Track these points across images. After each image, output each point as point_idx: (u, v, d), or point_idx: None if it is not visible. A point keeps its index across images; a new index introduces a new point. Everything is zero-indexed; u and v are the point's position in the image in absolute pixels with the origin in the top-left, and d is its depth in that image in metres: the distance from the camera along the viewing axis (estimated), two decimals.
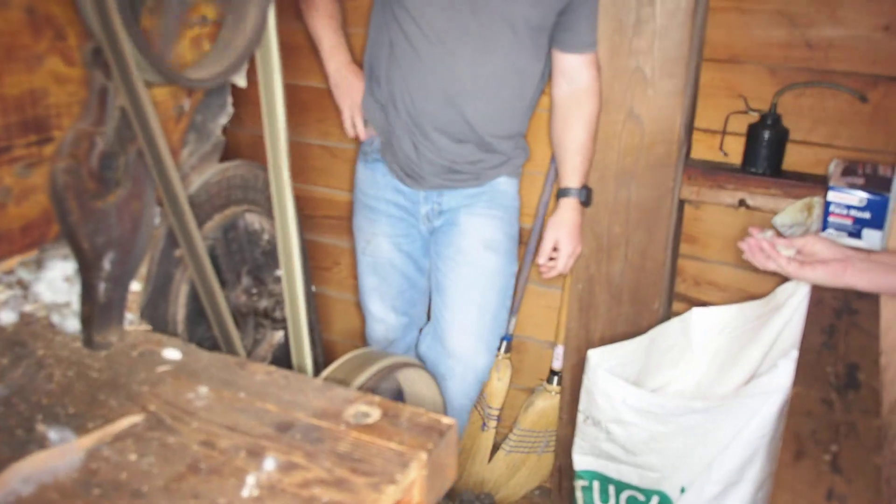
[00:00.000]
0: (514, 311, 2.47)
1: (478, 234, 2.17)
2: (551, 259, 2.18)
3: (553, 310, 2.58)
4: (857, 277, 1.46)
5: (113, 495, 0.88)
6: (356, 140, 2.29)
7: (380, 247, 2.30)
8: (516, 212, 2.25)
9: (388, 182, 2.21)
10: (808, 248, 1.54)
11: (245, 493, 0.89)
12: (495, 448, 2.60)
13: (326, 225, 2.92)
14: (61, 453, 0.93)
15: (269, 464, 0.94)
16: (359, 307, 2.89)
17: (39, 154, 1.06)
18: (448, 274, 2.22)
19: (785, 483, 0.93)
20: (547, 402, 2.52)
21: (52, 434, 0.95)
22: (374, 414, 1.03)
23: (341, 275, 2.98)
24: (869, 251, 1.51)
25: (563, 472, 2.53)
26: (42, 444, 0.95)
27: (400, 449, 0.96)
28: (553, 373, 2.53)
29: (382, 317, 2.39)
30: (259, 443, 0.98)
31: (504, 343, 2.48)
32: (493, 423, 2.55)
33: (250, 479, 0.91)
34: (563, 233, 2.13)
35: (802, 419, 1.06)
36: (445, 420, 1.02)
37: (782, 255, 1.56)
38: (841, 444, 1.00)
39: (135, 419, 1.02)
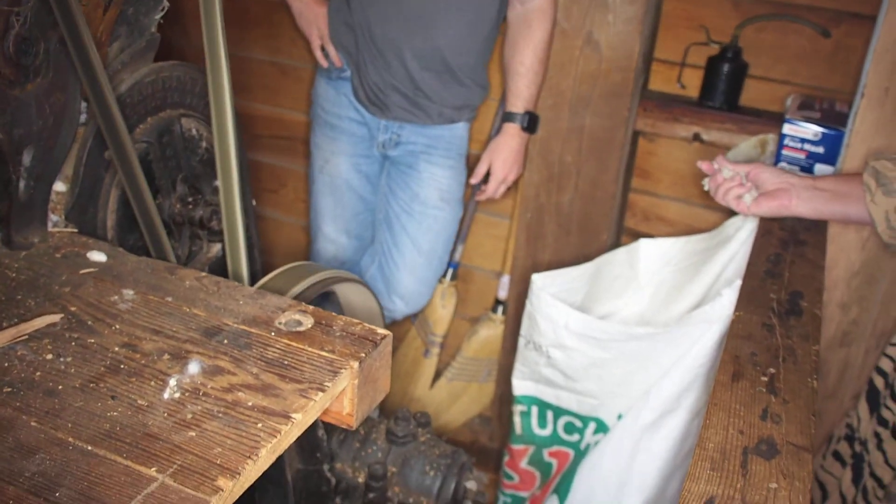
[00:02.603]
0: (461, 238, 2.43)
1: (435, 184, 2.19)
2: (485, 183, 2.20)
3: (501, 239, 2.55)
4: (803, 206, 1.45)
5: (25, 394, 0.84)
6: (314, 59, 2.22)
7: (339, 166, 2.25)
8: (466, 155, 2.27)
9: (352, 101, 2.16)
10: (753, 177, 1.52)
11: (166, 395, 0.86)
12: (437, 375, 2.60)
13: (274, 145, 2.84)
14: None
15: (194, 367, 0.90)
16: (305, 231, 2.83)
17: None
18: (402, 218, 2.25)
19: (720, 402, 0.92)
20: (491, 331, 2.52)
21: None
22: (307, 322, 1.00)
23: (288, 197, 2.91)
24: (815, 177, 1.50)
25: (504, 400, 2.54)
26: None
27: (331, 357, 0.93)
28: (498, 302, 2.52)
29: (334, 238, 2.36)
30: (184, 347, 0.94)
31: (450, 270, 2.46)
32: (435, 350, 2.54)
33: (172, 382, 0.87)
34: (498, 157, 2.11)
35: (742, 342, 1.05)
36: (380, 331, 0.99)
37: (732, 193, 1.55)
38: (779, 368, 1.00)
39: (53, 319, 0.97)
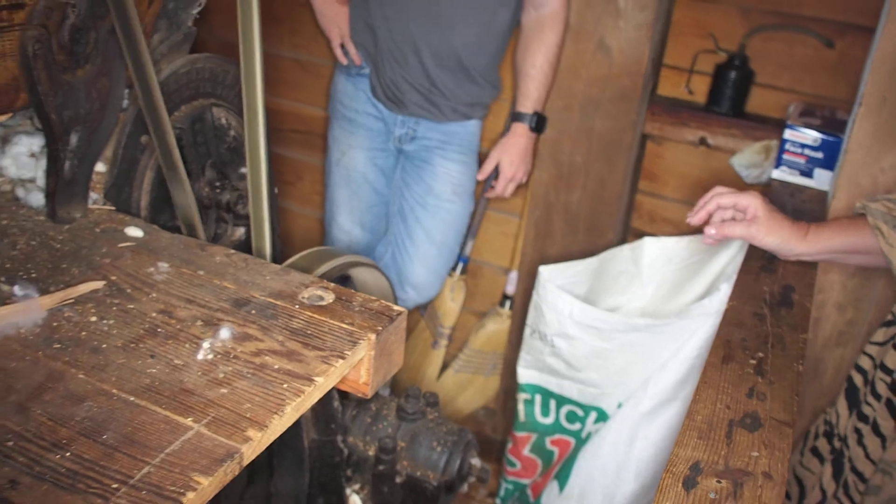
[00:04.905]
0: (472, 234, 2.51)
1: (449, 179, 2.28)
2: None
3: (510, 236, 2.63)
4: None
5: (73, 350, 0.92)
6: (333, 56, 2.30)
7: (355, 159, 2.33)
8: (478, 152, 2.35)
9: (369, 97, 2.24)
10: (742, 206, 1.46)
11: (200, 356, 0.93)
12: (445, 366, 2.67)
13: (293, 139, 2.92)
14: (24, 310, 0.96)
15: (225, 333, 0.98)
16: (320, 222, 2.91)
17: (10, 19, 1.06)
18: (416, 210, 2.33)
19: (710, 381, 0.99)
20: (498, 325, 2.59)
21: (17, 290, 0.98)
22: (328, 297, 1.07)
23: (304, 190, 3.00)
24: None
25: (509, 393, 2.61)
26: (5, 300, 0.98)
27: (351, 329, 1.01)
28: (506, 297, 2.59)
29: (349, 229, 2.44)
30: (215, 315, 1.01)
31: (460, 264, 2.53)
32: (444, 342, 2.61)
33: (205, 345, 0.95)
34: (506, 156, 2.19)
35: (734, 329, 1.12)
36: (396, 308, 1.07)
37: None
38: (767, 353, 1.07)
39: (96, 285, 1.05)
